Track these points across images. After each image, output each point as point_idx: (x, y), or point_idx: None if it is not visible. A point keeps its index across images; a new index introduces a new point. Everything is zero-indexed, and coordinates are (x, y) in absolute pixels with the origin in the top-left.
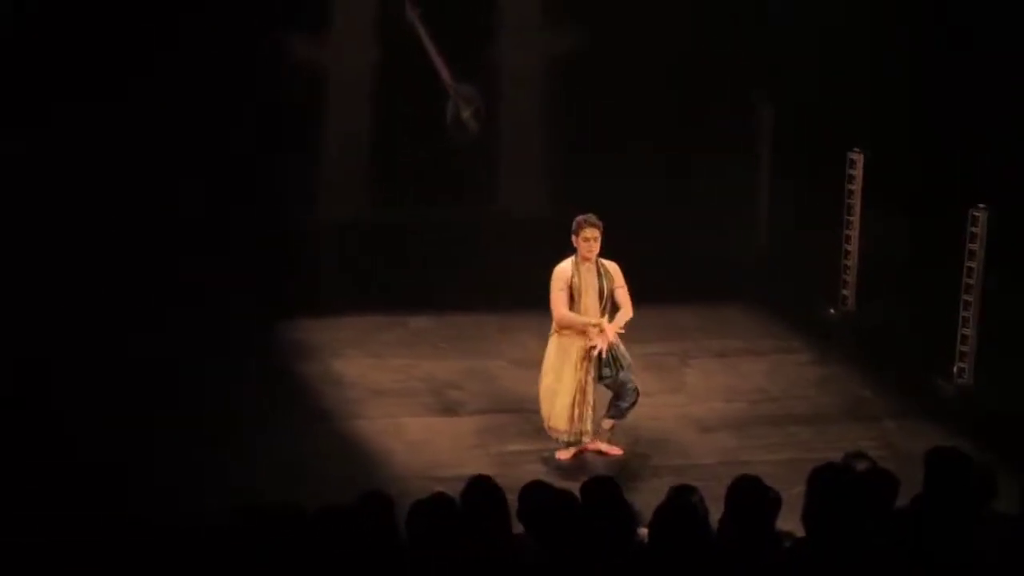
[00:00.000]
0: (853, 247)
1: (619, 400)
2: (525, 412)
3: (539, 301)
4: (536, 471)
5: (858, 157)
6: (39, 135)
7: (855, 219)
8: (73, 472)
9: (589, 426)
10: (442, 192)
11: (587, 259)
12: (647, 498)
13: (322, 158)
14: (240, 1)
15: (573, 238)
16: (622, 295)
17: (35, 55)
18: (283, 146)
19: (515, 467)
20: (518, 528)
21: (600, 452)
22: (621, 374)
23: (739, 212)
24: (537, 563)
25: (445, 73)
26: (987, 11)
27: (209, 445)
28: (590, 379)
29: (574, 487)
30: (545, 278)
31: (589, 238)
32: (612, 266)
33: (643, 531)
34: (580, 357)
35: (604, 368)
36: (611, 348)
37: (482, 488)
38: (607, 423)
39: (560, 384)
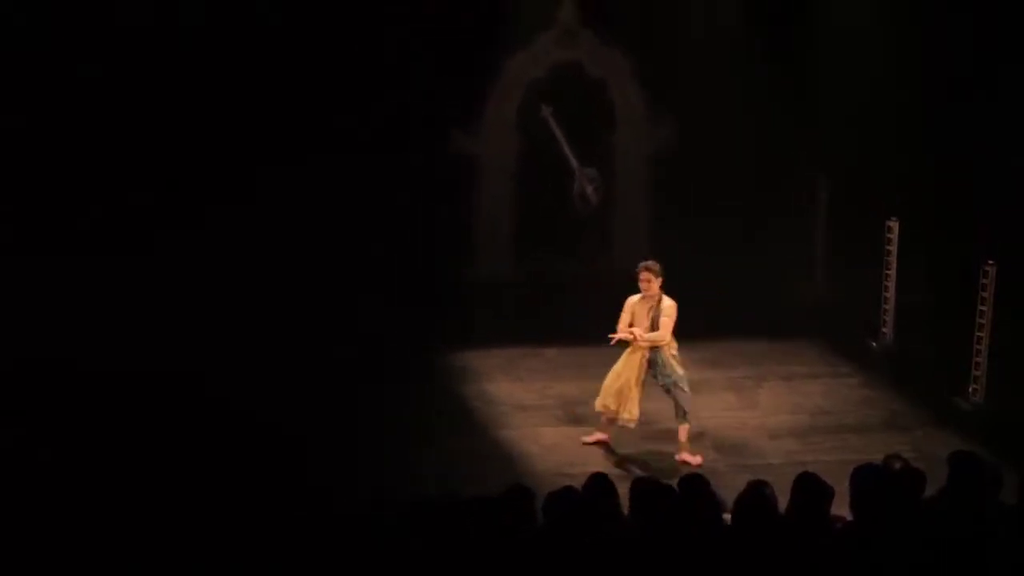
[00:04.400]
0: (891, 294)
1: (677, 408)
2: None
3: None
4: (643, 469)
5: (894, 224)
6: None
7: (892, 272)
8: (283, 468)
9: (634, 412)
10: (569, 250)
11: (644, 294)
12: (730, 490)
13: (476, 224)
14: (417, 103)
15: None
16: (661, 322)
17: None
18: (446, 215)
19: (626, 466)
20: (628, 513)
21: (685, 462)
22: (668, 382)
23: (802, 266)
24: (642, 541)
25: (571, 158)
26: (994, 108)
27: (389, 447)
28: (644, 376)
29: (672, 482)
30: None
31: (641, 279)
32: (667, 302)
33: (727, 516)
34: (638, 357)
35: (655, 370)
36: (660, 360)
37: (600, 483)
38: (681, 433)
39: (617, 376)
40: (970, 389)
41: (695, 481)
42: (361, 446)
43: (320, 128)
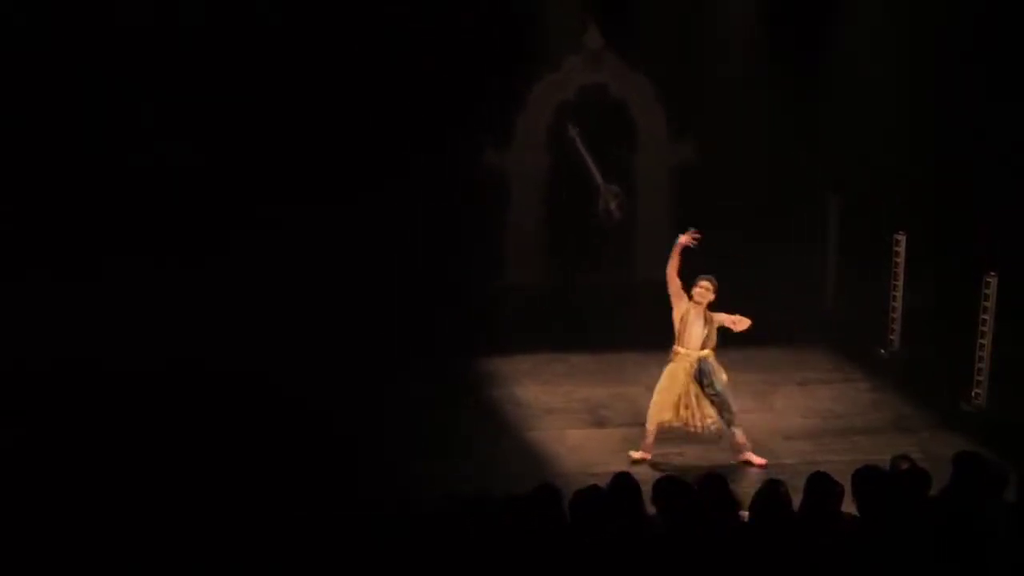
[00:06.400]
0: (898, 304)
1: (722, 412)
2: None
3: (666, 343)
4: (665, 469)
5: (901, 238)
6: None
7: (899, 283)
8: (314, 467)
9: (712, 413)
10: (594, 261)
11: (698, 303)
12: (746, 488)
13: (506, 236)
14: (453, 122)
15: (693, 288)
16: (727, 317)
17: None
18: (478, 227)
19: (649, 466)
20: (651, 510)
21: (749, 463)
22: (717, 390)
23: (814, 280)
24: (664, 536)
25: (596, 174)
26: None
27: (421, 448)
28: (694, 392)
29: (692, 481)
30: (667, 325)
31: (699, 289)
32: (717, 315)
33: (744, 513)
34: (686, 375)
35: (704, 381)
36: (708, 371)
37: (624, 481)
38: (739, 435)
39: (661, 395)
40: (973, 393)
41: (714, 480)
42: (393, 447)
43: (358, 143)
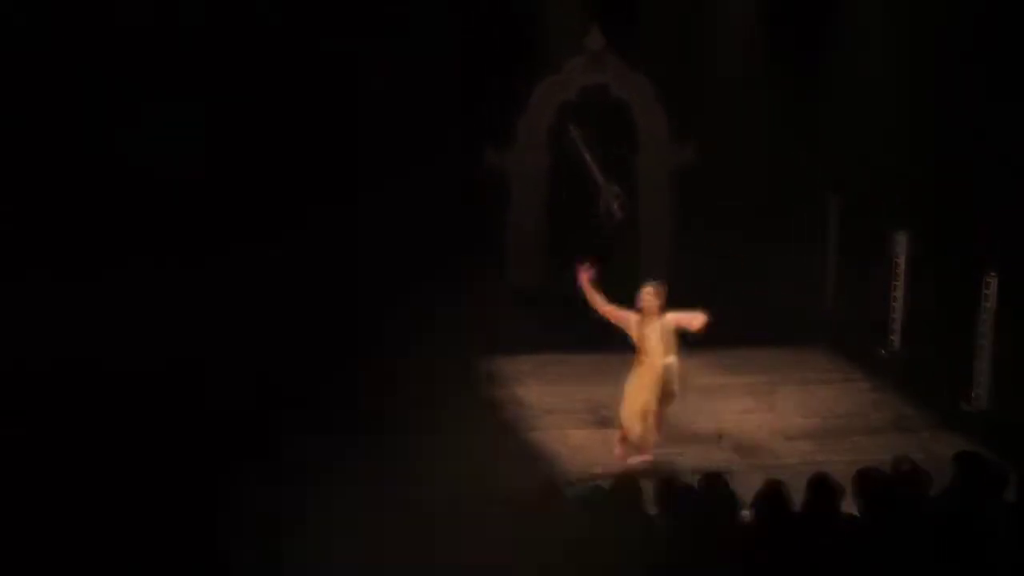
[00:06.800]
0: (899, 304)
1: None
2: None
3: None
4: (666, 470)
5: (902, 237)
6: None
7: (899, 283)
8: (315, 466)
9: (656, 435)
10: (595, 262)
11: (643, 312)
12: (748, 488)
13: (507, 237)
14: (453, 122)
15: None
16: (682, 315)
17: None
18: (480, 227)
19: (649, 466)
20: (651, 510)
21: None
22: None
23: (814, 280)
24: (667, 536)
25: (598, 175)
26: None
27: (424, 446)
28: (655, 399)
29: (693, 481)
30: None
31: (644, 296)
32: (668, 316)
33: (745, 512)
34: (651, 380)
35: (664, 388)
36: (670, 379)
37: (626, 481)
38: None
39: (628, 405)
40: (973, 393)
41: (715, 479)
42: (393, 447)
43: (357, 144)
